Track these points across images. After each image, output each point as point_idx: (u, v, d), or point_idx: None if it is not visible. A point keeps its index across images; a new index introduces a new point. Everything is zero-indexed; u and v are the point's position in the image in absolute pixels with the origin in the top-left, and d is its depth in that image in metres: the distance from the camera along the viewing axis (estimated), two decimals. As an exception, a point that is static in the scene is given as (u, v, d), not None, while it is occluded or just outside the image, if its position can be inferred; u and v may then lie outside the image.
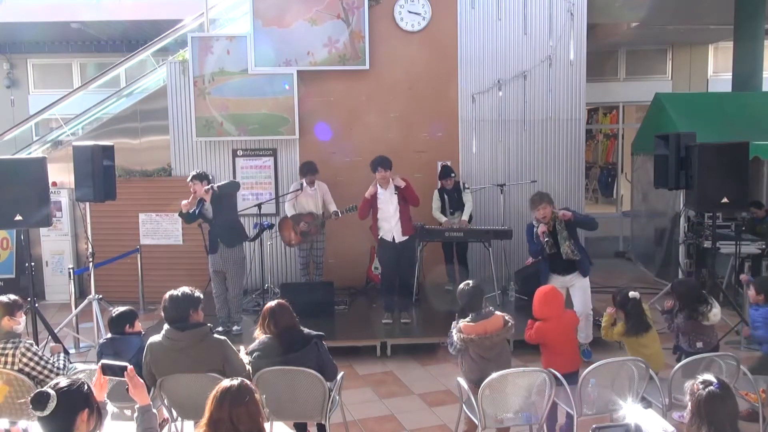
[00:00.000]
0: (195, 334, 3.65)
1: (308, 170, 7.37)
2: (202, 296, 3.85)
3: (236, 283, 6.42)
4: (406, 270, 6.65)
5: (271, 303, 3.93)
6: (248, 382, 2.59)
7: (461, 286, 4.18)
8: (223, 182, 6.55)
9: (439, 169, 7.80)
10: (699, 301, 4.55)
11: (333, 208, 7.27)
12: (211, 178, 6.54)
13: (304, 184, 7.36)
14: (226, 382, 2.56)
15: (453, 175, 7.57)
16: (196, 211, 6.23)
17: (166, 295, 3.75)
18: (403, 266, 6.57)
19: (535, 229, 5.61)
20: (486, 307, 4.09)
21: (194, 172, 6.24)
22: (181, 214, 6.33)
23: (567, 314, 4.48)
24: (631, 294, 4.45)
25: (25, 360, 3.84)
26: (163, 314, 3.77)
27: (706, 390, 2.58)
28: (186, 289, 3.78)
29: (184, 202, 6.20)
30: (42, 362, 3.91)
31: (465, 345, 4.00)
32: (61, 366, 4.04)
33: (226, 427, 2.44)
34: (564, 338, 4.38)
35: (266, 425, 2.66)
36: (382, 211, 6.37)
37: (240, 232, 6.49)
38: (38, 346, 4.19)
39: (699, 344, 4.62)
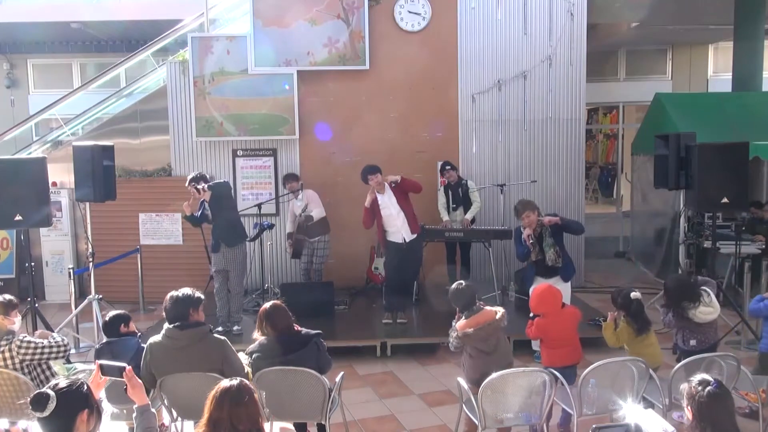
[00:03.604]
0: (194, 334, 3.67)
1: (285, 178, 7.62)
2: (203, 297, 3.87)
3: (238, 281, 6.47)
4: (412, 272, 6.67)
5: (266, 305, 3.94)
6: (247, 382, 2.59)
7: (453, 287, 4.25)
8: (212, 182, 6.51)
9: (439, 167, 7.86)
10: (686, 299, 4.49)
11: (315, 212, 7.34)
12: (209, 178, 6.53)
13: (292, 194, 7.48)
14: (226, 383, 2.55)
15: (449, 167, 7.55)
16: (198, 214, 6.25)
17: (168, 296, 3.80)
18: (410, 267, 6.58)
19: (522, 234, 5.68)
20: (477, 303, 4.16)
21: (192, 175, 6.24)
22: (185, 217, 6.36)
23: (566, 310, 4.50)
24: (633, 295, 4.43)
25: (23, 351, 3.85)
26: (164, 314, 3.79)
27: (706, 390, 2.55)
28: (187, 289, 3.83)
29: (186, 204, 6.20)
30: (40, 347, 3.92)
31: (463, 343, 4.07)
32: (59, 340, 4.05)
33: (226, 427, 2.44)
34: (564, 333, 4.41)
35: (266, 425, 2.66)
36: (386, 215, 6.35)
37: (240, 231, 6.49)
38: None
39: (692, 342, 4.58)
